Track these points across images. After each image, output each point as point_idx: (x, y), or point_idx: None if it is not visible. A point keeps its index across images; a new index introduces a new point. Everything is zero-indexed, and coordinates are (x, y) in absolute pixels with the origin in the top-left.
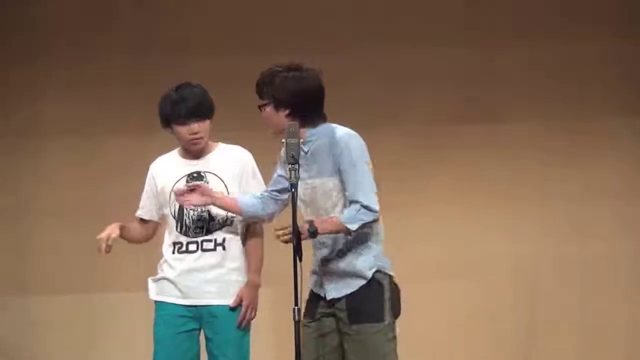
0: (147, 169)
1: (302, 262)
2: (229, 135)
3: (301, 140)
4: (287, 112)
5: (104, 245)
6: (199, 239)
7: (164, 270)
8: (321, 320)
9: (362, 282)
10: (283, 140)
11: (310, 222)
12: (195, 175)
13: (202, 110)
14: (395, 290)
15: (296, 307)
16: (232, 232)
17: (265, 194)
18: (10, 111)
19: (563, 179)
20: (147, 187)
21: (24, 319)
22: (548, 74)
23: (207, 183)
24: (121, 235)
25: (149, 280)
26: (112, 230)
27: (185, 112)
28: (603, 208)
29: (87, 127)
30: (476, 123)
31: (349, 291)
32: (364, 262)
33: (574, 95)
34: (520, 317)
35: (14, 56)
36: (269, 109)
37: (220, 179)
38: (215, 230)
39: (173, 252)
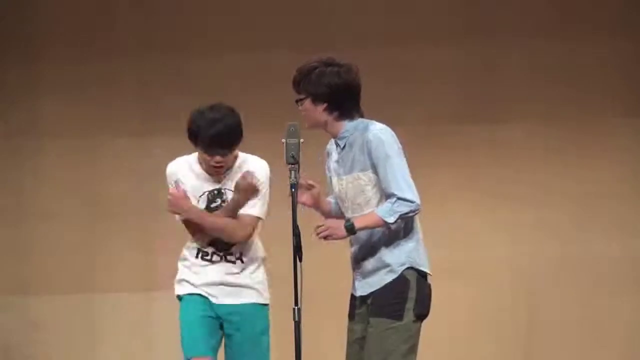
0: (147, 169)
1: (302, 262)
2: None
3: (336, 136)
4: (324, 106)
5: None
6: (222, 252)
7: (186, 274)
8: (357, 322)
9: (390, 278)
10: (283, 140)
11: (347, 219)
12: (216, 192)
13: (230, 142)
14: (423, 290)
15: (296, 307)
16: (248, 246)
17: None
18: (10, 112)
19: (563, 179)
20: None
21: (24, 319)
22: (548, 74)
23: (227, 200)
24: None
25: (175, 282)
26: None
27: (213, 147)
28: (603, 208)
29: (87, 128)
30: (476, 123)
31: (375, 288)
32: (395, 258)
33: (574, 96)
34: (520, 317)
35: (14, 56)
36: (306, 103)
37: None
38: (234, 244)
39: (197, 257)
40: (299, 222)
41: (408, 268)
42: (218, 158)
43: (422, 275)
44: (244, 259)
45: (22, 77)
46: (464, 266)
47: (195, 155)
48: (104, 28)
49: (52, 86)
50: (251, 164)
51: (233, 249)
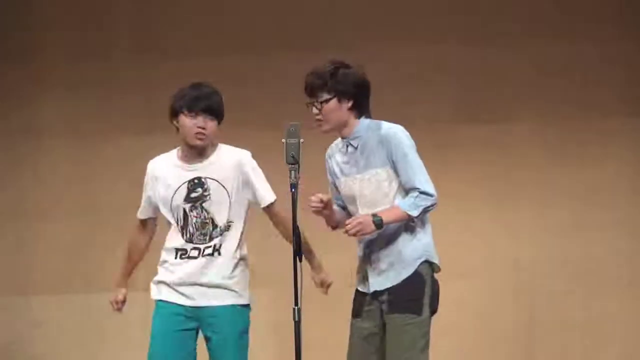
0: (147, 168)
1: (302, 262)
2: (228, 134)
3: (348, 136)
4: (350, 104)
5: (116, 307)
6: (202, 246)
7: (163, 274)
8: (365, 319)
9: (407, 273)
10: (283, 140)
11: (374, 214)
12: (196, 181)
13: (214, 108)
14: (435, 285)
15: (296, 307)
16: (229, 239)
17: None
18: (10, 111)
19: (564, 178)
20: (146, 186)
21: (24, 319)
22: (550, 73)
23: (209, 189)
24: (130, 273)
25: (152, 282)
26: (117, 294)
27: (197, 104)
28: (604, 208)
29: (87, 127)
30: (478, 123)
31: (392, 283)
32: (413, 251)
33: (575, 95)
34: (520, 317)
35: (14, 55)
36: (331, 104)
37: (221, 184)
38: (217, 237)
39: (175, 257)
40: (299, 222)
41: (423, 262)
42: (201, 120)
43: (433, 270)
44: (222, 251)
45: (22, 76)
46: (465, 266)
47: (174, 151)
48: (104, 28)
49: (52, 85)
50: (236, 155)
51: (213, 241)
